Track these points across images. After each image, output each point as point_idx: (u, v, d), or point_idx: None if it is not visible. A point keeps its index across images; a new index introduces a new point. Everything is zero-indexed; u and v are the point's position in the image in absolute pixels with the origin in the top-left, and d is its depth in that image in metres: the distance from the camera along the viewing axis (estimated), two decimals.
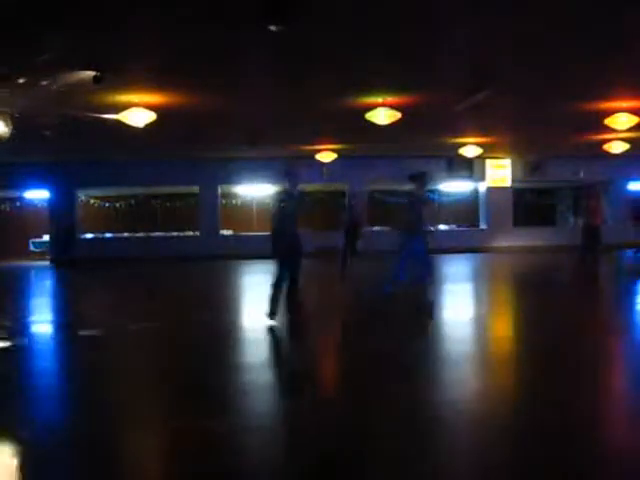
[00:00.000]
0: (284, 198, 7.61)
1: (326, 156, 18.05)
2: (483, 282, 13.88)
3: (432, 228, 9.38)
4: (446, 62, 8.81)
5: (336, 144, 17.21)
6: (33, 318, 9.40)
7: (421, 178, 9.37)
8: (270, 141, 15.43)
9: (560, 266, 15.30)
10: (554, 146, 18.25)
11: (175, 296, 11.59)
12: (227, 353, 6.43)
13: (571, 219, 25.23)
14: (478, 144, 16.90)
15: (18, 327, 8.23)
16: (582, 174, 21.23)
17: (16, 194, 22.86)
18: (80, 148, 16.66)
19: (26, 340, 7.44)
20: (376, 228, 21.05)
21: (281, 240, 7.42)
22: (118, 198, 23.74)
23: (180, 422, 4.15)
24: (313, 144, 17.15)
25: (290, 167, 8.43)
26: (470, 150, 17.11)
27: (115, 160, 19.31)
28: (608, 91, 10.77)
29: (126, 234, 22.30)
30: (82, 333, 7.72)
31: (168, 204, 23.96)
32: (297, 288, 7.57)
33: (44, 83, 8.75)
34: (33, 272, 18.32)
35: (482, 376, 5.45)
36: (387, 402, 4.54)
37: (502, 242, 20.64)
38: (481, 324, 8.12)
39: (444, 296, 10.48)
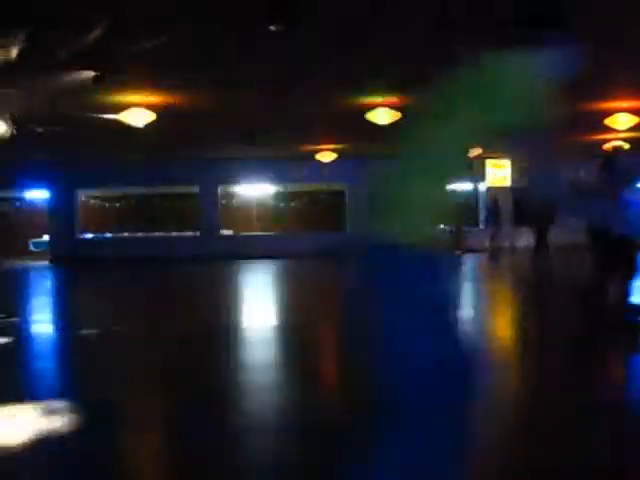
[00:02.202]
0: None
1: (326, 156, 18.03)
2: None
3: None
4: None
5: (336, 144, 17.20)
6: (30, 317, 9.40)
7: None
8: (270, 141, 15.42)
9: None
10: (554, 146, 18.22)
11: (175, 296, 11.58)
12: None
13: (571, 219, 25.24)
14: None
15: (15, 325, 8.24)
16: (582, 174, 21.19)
17: (16, 194, 22.88)
18: (80, 148, 16.64)
19: (23, 338, 7.44)
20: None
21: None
22: (118, 198, 23.75)
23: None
24: (313, 144, 17.14)
25: None
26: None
27: (115, 160, 19.29)
28: (608, 91, 10.76)
29: (126, 234, 22.31)
30: (81, 333, 7.71)
31: (168, 204, 23.96)
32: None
33: (44, 83, 8.74)
34: (33, 272, 18.32)
35: None
36: None
37: (502, 242, 20.58)
38: None
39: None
